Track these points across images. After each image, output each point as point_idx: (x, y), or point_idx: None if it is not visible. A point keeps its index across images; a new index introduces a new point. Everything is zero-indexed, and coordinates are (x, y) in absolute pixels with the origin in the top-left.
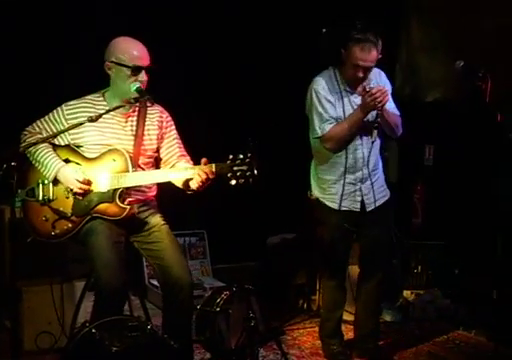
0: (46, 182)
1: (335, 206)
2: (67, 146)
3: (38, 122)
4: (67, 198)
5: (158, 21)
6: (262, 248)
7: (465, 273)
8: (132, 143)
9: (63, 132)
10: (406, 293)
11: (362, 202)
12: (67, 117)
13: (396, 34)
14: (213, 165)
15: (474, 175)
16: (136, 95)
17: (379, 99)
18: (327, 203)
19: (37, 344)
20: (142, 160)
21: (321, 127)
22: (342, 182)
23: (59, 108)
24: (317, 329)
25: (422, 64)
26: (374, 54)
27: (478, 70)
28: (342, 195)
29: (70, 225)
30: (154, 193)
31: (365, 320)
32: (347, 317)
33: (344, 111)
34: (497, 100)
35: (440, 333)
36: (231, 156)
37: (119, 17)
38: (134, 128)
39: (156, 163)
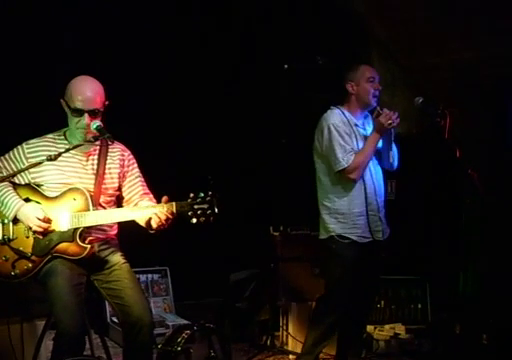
0: (6, 221)
1: (361, 239)
2: (27, 185)
3: None
4: (27, 238)
5: (119, 58)
6: (225, 284)
7: (428, 308)
8: (93, 182)
9: (23, 171)
10: (369, 328)
11: (382, 231)
12: (27, 155)
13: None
14: (173, 204)
15: (436, 209)
16: (95, 133)
17: (394, 117)
18: (351, 237)
19: None
20: (103, 199)
21: (345, 158)
22: (365, 214)
23: (19, 146)
24: None
25: (384, 99)
26: (376, 72)
27: (437, 106)
28: (364, 226)
29: (30, 265)
30: (115, 232)
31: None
32: None
33: (358, 144)
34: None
35: None
36: (192, 194)
37: (81, 55)
38: (95, 167)
39: (118, 202)
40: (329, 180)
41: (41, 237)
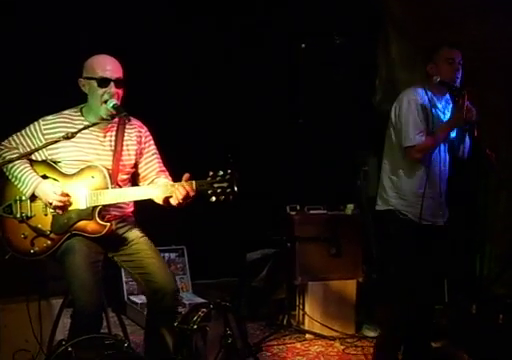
0: (24, 198)
1: (415, 219)
2: (44, 162)
3: (14, 136)
4: (45, 215)
5: (139, 37)
6: (242, 264)
7: (445, 288)
8: (111, 159)
9: (40, 149)
10: None
11: (442, 216)
12: (44, 132)
13: (375, 48)
14: (193, 182)
15: (455, 189)
16: (112, 112)
17: (473, 112)
18: (409, 215)
19: None
20: (120, 177)
21: (416, 137)
22: (426, 196)
23: (36, 123)
24: (297, 345)
25: (401, 79)
26: (459, 54)
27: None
28: (424, 209)
29: (49, 242)
30: (131, 209)
31: None
32: (327, 333)
33: (434, 124)
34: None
35: None
36: (211, 173)
37: (100, 34)
38: (113, 143)
39: (133, 179)
40: (401, 155)
41: (60, 212)
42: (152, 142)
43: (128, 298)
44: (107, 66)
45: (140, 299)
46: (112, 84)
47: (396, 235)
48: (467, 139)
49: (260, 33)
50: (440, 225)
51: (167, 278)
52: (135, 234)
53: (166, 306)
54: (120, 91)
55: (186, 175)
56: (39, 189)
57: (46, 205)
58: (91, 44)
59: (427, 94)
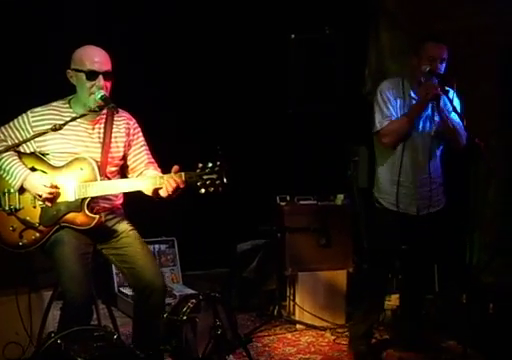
0: (12, 191)
1: (391, 207)
2: (33, 154)
3: (3, 129)
4: (34, 207)
5: (129, 30)
6: (232, 255)
7: (435, 277)
8: (99, 151)
9: (28, 141)
10: None
11: (417, 206)
12: (33, 124)
13: (366, 39)
14: (182, 174)
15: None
16: (100, 103)
17: (428, 91)
18: (384, 204)
19: (5, 355)
20: (109, 169)
21: (381, 122)
22: (397, 184)
23: (24, 115)
24: (287, 335)
25: (391, 68)
26: (444, 50)
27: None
28: (398, 197)
29: (38, 235)
30: (121, 201)
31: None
32: (318, 323)
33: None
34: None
35: None
36: (200, 164)
37: (90, 29)
38: (101, 135)
39: (122, 171)
40: (376, 144)
41: (50, 205)
42: (141, 134)
43: (118, 290)
44: (95, 58)
45: (130, 291)
46: (100, 77)
47: (375, 221)
48: (458, 127)
49: (249, 23)
50: (413, 215)
51: (155, 275)
52: (124, 227)
53: (154, 304)
54: (108, 84)
55: (175, 167)
56: (27, 181)
57: (35, 197)
58: (80, 34)
59: (402, 84)
